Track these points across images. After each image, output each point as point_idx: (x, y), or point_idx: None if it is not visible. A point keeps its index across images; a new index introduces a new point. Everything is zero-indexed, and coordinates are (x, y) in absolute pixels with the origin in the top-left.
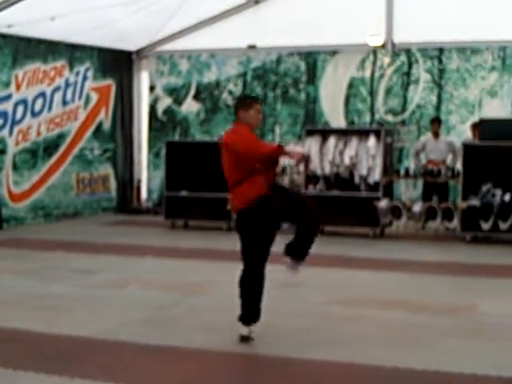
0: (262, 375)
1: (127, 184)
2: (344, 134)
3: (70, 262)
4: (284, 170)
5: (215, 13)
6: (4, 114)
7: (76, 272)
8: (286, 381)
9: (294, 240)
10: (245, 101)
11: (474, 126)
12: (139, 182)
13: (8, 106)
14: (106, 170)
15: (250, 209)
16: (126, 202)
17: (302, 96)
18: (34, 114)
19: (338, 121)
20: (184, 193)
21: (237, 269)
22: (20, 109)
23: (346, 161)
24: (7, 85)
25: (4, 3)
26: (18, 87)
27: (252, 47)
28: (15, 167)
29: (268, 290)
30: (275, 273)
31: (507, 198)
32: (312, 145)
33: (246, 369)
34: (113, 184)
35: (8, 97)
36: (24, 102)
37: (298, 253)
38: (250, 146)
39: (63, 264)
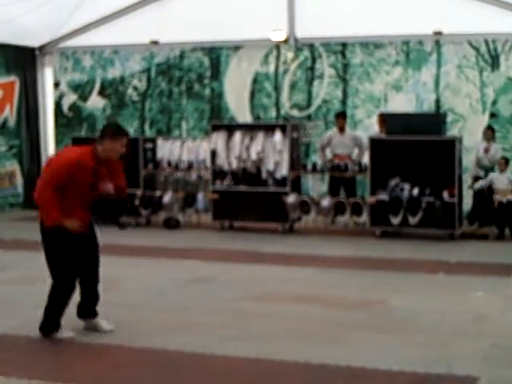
0: (172, 370)
1: (34, 180)
2: (250, 129)
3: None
4: (191, 165)
5: (118, 8)
6: None
7: None
8: (196, 376)
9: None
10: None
11: (381, 117)
12: None
13: None
14: (13, 166)
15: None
16: (32, 197)
17: (207, 91)
18: None
19: (243, 116)
20: None
21: (146, 264)
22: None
23: (253, 156)
24: None
25: None
26: None
27: (155, 43)
28: None
29: (179, 286)
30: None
31: (415, 192)
32: (218, 140)
33: (155, 364)
34: (19, 180)
35: None
36: None
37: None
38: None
39: None
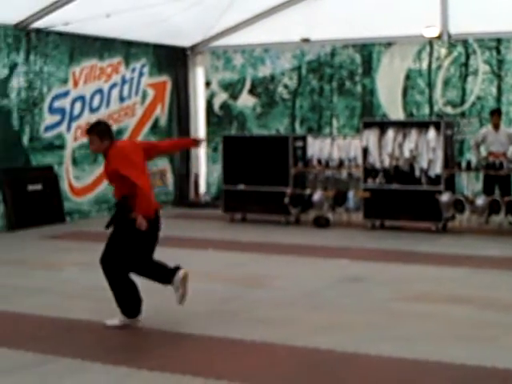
0: (323, 370)
1: (184, 178)
2: (403, 126)
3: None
4: (342, 163)
5: (268, 7)
6: (62, 111)
7: None
8: (349, 376)
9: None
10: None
11: None
12: (197, 176)
13: (66, 103)
14: (164, 164)
15: None
16: (183, 195)
17: (359, 88)
18: (92, 110)
19: (396, 113)
20: (242, 186)
21: (296, 262)
22: (78, 105)
23: (406, 154)
24: (65, 82)
25: (60, 1)
26: (76, 84)
27: (306, 40)
28: (75, 162)
29: (330, 286)
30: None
31: None
32: (370, 137)
33: (309, 364)
34: (170, 178)
35: (66, 93)
36: (82, 98)
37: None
38: None
39: None
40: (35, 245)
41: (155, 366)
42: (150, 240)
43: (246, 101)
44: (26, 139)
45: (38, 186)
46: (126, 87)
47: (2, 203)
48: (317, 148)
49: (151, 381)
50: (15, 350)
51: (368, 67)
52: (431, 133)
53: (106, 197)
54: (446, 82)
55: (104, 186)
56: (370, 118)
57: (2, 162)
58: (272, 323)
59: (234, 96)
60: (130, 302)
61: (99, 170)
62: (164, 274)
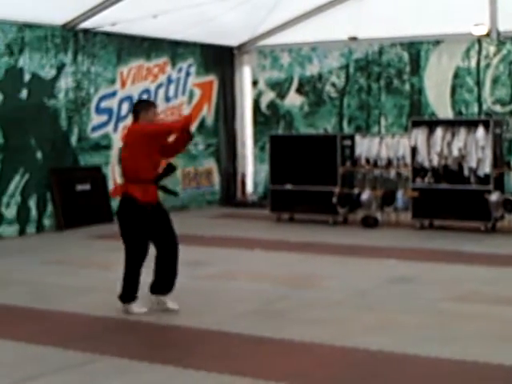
0: (376, 371)
1: (231, 178)
2: (451, 124)
3: (179, 253)
4: (390, 162)
5: (316, 5)
6: (109, 111)
7: (186, 264)
8: (397, 377)
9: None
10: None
11: None
12: (244, 175)
13: (113, 103)
14: (210, 164)
15: None
16: (230, 195)
17: (407, 87)
18: None
19: (444, 111)
20: (289, 186)
21: (344, 263)
22: (125, 105)
23: (455, 152)
24: (112, 82)
25: (107, 2)
26: (123, 84)
27: (353, 39)
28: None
29: (379, 286)
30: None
31: None
32: (419, 136)
33: (359, 364)
34: (216, 178)
35: (113, 94)
36: (129, 98)
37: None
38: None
39: None
40: (83, 244)
41: (202, 366)
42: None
43: (293, 100)
44: (74, 139)
45: (87, 186)
46: (173, 87)
47: (51, 203)
48: (365, 147)
49: (198, 380)
50: (64, 349)
51: (416, 65)
52: (480, 131)
53: None
54: (495, 80)
55: None
56: (419, 116)
57: (51, 162)
58: (320, 323)
59: (282, 95)
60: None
61: None
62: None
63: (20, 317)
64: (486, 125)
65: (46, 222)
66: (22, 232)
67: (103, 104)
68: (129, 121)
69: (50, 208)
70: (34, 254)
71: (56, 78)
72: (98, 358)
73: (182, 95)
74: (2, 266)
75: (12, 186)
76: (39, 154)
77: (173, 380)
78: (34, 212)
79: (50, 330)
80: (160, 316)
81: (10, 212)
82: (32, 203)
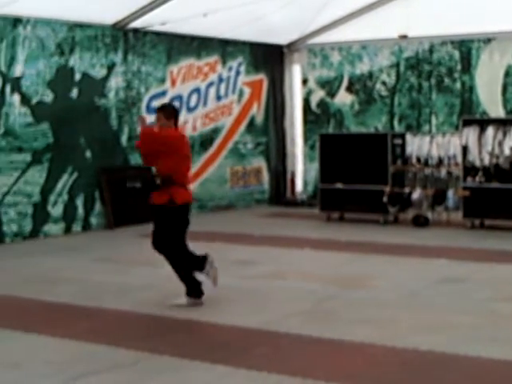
0: (426, 371)
1: (280, 176)
2: (503, 123)
3: (228, 253)
4: (441, 161)
5: (366, 3)
6: None
7: (235, 263)
8: (450, 377)
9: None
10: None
11: None
12: (293, 174)
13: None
14: (259, 163)
15: None
16: (279, 194)
17: (458, 85)
18: (190, 110)
19: (496, 110)
20: (339, 185)
21: (394, 262)
22: (175, 104)
23: (506, 151)
24: (162, 81)
25: (157, 1)
26: (173, 83)
27: (403, 37)
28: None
29: (429, 286)
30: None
31: None
32: (470, 135)
33: (409, 364)
34: (265, 177)
35: (163, 93)
36: (179, 97)
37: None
38: None
39: (222, 255)
40: (133, 242)
41: (253, 365)
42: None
43: (343, 98)
44: (124, 139)
45: (137, 185)
46: (223, 86)
47: (99, 202)
48: (416, 146)
49: (249, 380)
50: (115, 347)
51: (467, 64)
52: None
53: (197, 195)
54: None
55: (195, 185)
56: (470, 115)
57: (100, 162)
58: (371, 323)
59: (332, 93)
60: (192, 281)
61: (192, 169)
62: (197, 262)
63: (71, 315)
64: None
65: (93, 220)
66: (67, 230)
67: (154, 103)
68: (180, 120)
69: (97, 207)
70: (82, 252)
71: (106, 78)
72: (148, 357)
73: (232, 94)
74: (52, 264)
75: (60, 185)
76: (88, 153)
77: (223, 379)
78: (80, 210)
79: (101, 328)
80: (211, 315)
81: (57, 210)
82: (79, 202)
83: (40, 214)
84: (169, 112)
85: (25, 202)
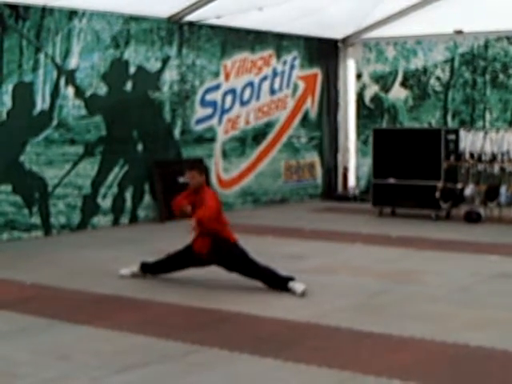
0: (476, 367)
1: (333, 171)
2: None
3: (280, 247)
4: (495, 157)
5: None
6: (213, 104)
7: (287, 257)
8: (500, 373)
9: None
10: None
11: None
12: (346, 169)
13: (217, 96)
14: (313, 157)
15: None
16: (332, 189)
17: None
18: (243, 103)
19: None
20: (392, 180)
21: (446, 258)
22: (229, 98)
23: None
24: (216, 75)
25: None
26: (227, 77)
27: (459, 32)
28: (224, 155)
29: (481, 282)
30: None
31: None
32: None
33: (459, 360)
34: (319, 171)
35: (217, 86)
36: (233, 91)
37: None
38: None
39: (274, 249)
40: (185, 236)
41: (301, 359)
42: None
43: (397, 93)
44: (177, 132)
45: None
46: (278, 80)
47: (149, 195)
48: (469, 141)
49: (297, 373)
50: (165, 339)
51: None
52: None
53: (251, 189)
54: None
55: (249, 179)
56: None
57: (152, 155)
58: (421, 318)
59: (386, 88)
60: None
61: (246, 162)
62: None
63: (122, 307)
64: None
65: (141, 213)
66: (115, 222)
67: (208, 97)
68: (233, 114)
69: (146, 200)
70: (135, 244)
71: (161, 71)
72: (198, 349)
73: (286, 88)
74: (104, 255)
75: (111, 177)
76: (140, 147)
77: (272, 372)
78: (128, 203)
79: (151, 320)
80: (261, 308)
81: (106, 203)
82: (128, 194)
83: (89, 206)
84: (201, 169)
85: (75, 194)
